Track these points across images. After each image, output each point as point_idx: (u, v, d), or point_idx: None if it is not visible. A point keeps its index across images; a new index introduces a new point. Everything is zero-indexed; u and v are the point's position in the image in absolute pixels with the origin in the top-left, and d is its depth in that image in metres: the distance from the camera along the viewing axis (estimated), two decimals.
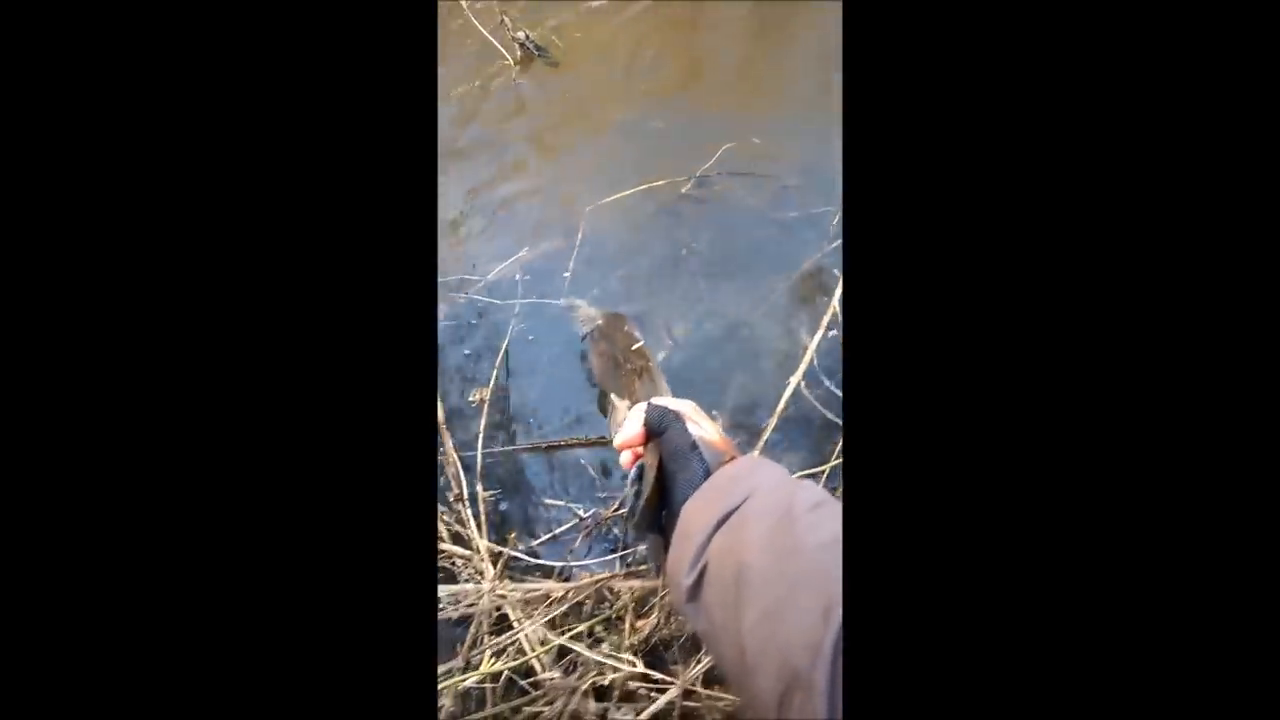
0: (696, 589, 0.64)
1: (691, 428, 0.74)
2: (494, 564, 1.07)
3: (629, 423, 0.76)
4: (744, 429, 1.32)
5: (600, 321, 1.33)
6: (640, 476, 0.73)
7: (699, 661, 0.95)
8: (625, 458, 0.77)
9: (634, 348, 1.17)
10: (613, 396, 0.91)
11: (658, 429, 0.74)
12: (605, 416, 0.85)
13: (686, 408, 0.78)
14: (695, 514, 0.66)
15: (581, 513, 1.22)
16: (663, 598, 1.03)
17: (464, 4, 1.75)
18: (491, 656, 0.93)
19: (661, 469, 0.72)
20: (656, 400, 0.78)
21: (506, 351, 1.41)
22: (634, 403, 0.84)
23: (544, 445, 1.27)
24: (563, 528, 1.21)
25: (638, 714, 0.91)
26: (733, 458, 0.73)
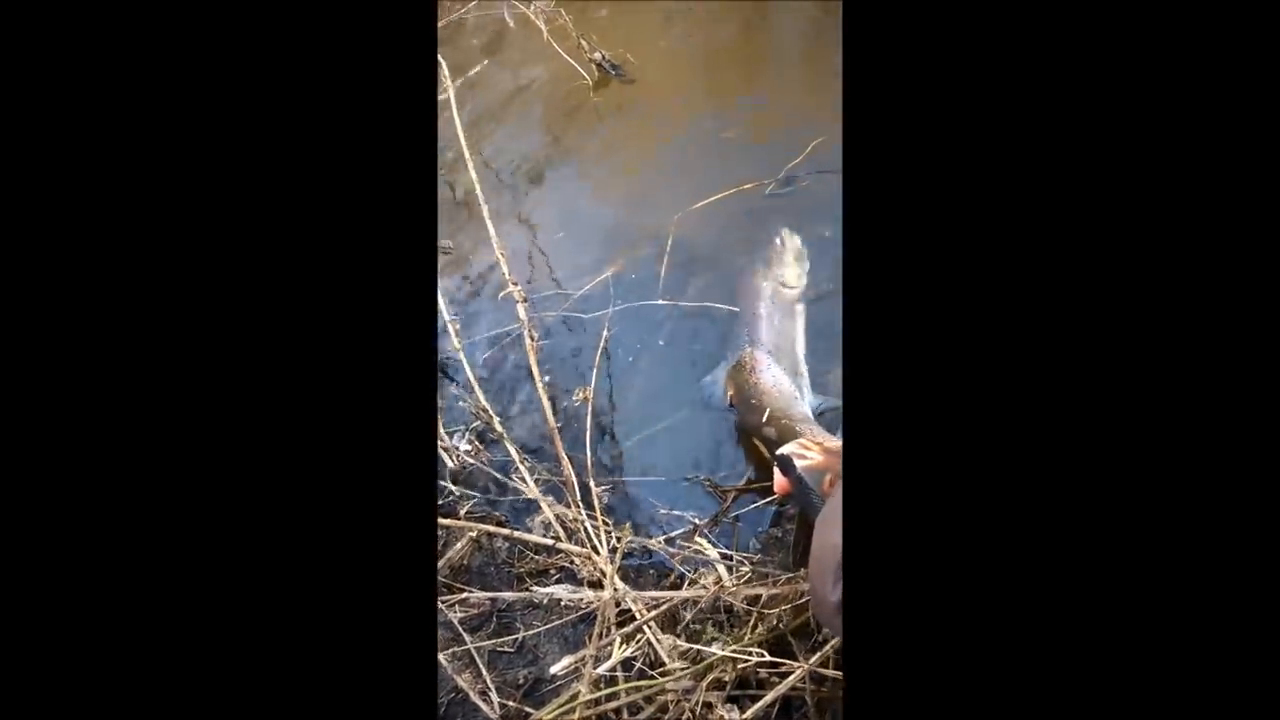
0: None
1: (798, 462, 0.91)
2: (610, 551, 1.09)
3: (775, 476, 1.00)
4: None
5: (728, 394, 1.34)
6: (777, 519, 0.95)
7: (822, 644, 0.95)
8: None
9: (764, 420, 1.23)
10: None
11: (785, 473, 0.94)
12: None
13: (792, 446, 0.96)
14: (824, 532, 0.72)
15: (697, 520, 1.23)
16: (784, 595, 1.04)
17: (543, 27, 1.82)
18: (622, 643, 0.95)
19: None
20: (780, 450, 0.99)
21: (605, 355, 1.44)
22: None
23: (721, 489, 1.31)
24: (677, 531, 1.22)
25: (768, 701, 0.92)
26: (838, 472, 0.86)
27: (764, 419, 1.21)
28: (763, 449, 1.24)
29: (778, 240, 1.45)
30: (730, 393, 1.33)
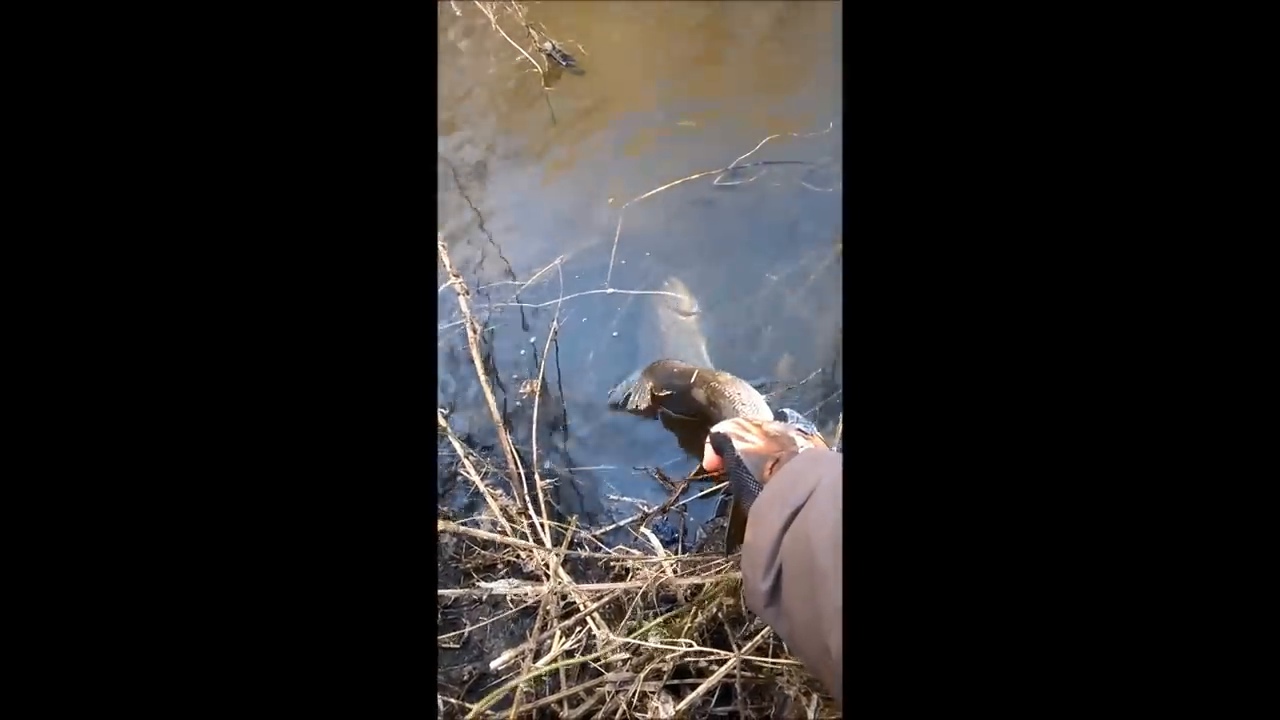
0: (775, 592, 0.65)
1: (737, 444, 0.83)
2: (556, 544, 1.09)
3: (706, 452, 0.90)
4: (793, 407, 1.33)
5: (647, 389, 1.36)
6: (724, 508, 0.86)
7: (755, 634, 0.95)
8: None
9: (692, 381, 1.23)
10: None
11: (720, 452, 0.86)
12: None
13: (729, 426, 0.88)
14: (759, 521, 0.69)
15: (645, 507, 1.23)
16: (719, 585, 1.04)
17: (491, 17, 1.80)
18: (562, 636, 0.94)
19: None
20: (715, 428, 0.90)
21: (554, 345, 1.43)
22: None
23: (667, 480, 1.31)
24: (625, 520, 1.22)
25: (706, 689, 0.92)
26: (778, 459, 0.80)
27: (692, 380, 1.20)
28: (692, 411, 1.24)
29: (665, 283, 1.53)
30: (649, 385, 1.33)
